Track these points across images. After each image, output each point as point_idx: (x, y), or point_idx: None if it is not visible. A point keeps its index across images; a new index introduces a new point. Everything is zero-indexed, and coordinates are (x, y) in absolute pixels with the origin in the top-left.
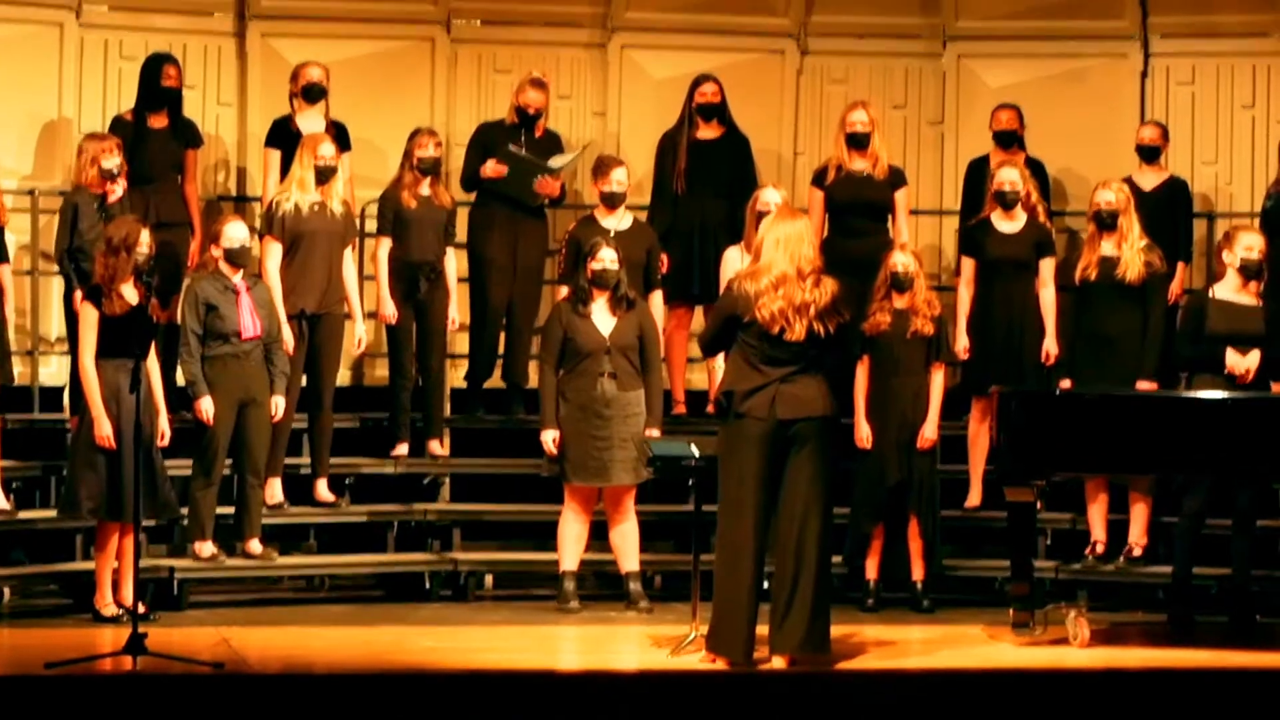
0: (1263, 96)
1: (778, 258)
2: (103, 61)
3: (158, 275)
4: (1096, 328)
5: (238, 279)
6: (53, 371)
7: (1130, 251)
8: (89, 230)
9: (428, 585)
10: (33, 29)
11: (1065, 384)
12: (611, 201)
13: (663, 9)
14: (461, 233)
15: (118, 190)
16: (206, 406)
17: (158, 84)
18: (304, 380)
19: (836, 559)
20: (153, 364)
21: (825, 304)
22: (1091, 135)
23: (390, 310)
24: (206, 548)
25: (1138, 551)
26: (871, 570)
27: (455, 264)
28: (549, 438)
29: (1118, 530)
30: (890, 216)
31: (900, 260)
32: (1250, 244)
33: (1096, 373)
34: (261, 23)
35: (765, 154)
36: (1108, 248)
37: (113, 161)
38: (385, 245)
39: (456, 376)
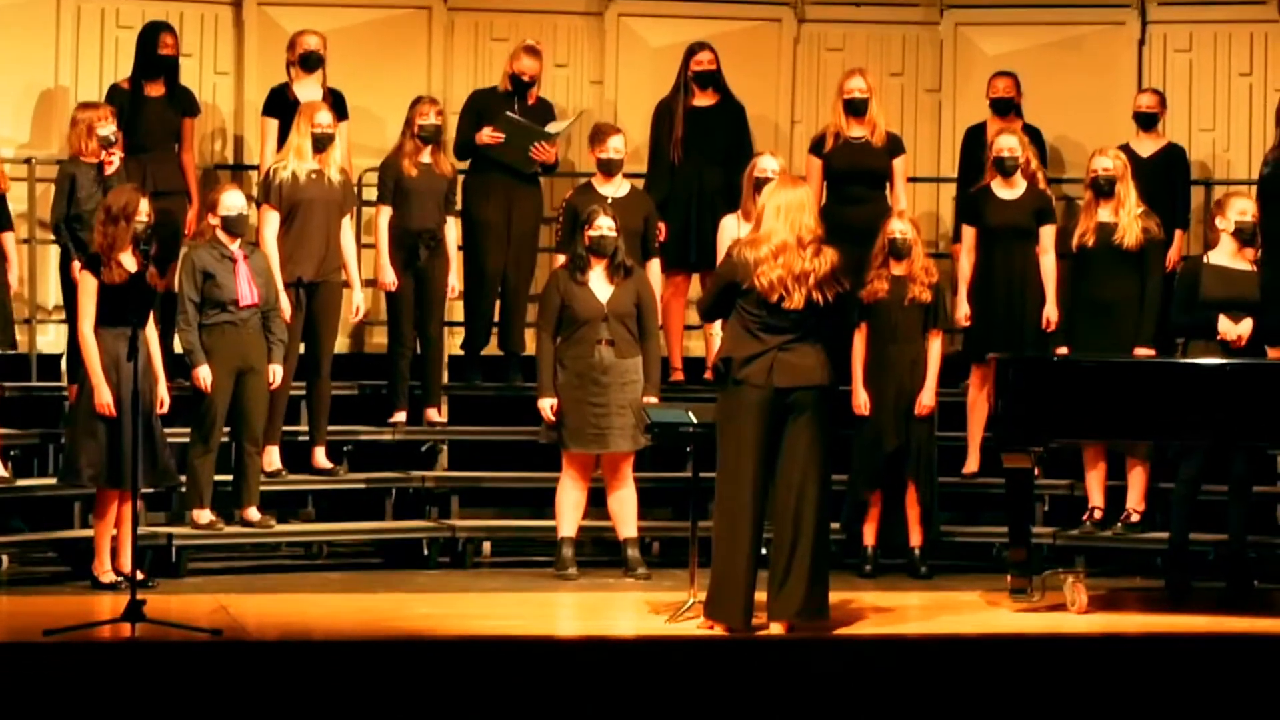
0: (1260, 64)
1: (778, 226)
2: (99, 30)
3: (156, 244)
4: (1094, 294)
5: (235, 247)
6: (50, 340)
7: (1128, 218)
8: (87, 200)
9: (426, 552)
10: None
11: (1062, 350)
12: (608, 169)
13: None
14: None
15: (115, 160)
16: (204, 375)
17: (154, 52)
18: (302, 348)
19: (834, 525)
20: (151, 332)
21: (825, 273)
22: (1089, 103)
23: (390, 278)
24: (205, 515)
25: (1135, 518)
26: (869, 536)
27: (455, 232)
28: (546, 405)
29: (1116, 496)
30: (888, 184)
31: (898, 227)
32: (1243, 209)
33: (1094, 339)
34: None
35: (762, 122)
36: (1105, 214)
37: (108, 129)
38: (385, 213)
39: (454, 344)
